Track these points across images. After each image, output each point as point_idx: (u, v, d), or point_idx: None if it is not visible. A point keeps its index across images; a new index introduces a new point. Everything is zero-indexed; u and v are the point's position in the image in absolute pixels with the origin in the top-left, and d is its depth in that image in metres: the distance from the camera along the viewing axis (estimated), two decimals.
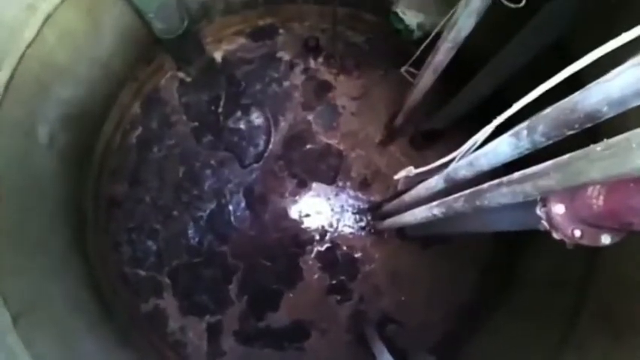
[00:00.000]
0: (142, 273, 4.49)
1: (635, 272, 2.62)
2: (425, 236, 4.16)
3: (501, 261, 4.25)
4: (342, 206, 4.55)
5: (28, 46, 3.01)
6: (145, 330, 4.41)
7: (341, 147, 4.62)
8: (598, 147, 1.06)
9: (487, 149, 1.66)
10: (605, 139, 1.05)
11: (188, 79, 4.77)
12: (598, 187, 1.57)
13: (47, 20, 3.09)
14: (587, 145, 1.11)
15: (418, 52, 3.44)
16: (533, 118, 1.29)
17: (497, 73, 2.96)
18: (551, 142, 1.26)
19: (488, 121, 1.70)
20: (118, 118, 4.62)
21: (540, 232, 1.77)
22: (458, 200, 1.98)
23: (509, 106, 1.49)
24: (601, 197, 1.55)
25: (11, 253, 2.96)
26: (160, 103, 4.74)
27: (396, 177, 2.81)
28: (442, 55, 2.94)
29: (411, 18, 3.82)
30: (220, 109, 4.73)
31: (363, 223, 4.51)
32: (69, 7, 3.22)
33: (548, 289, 3.54)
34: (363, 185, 4.56)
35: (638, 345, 2.44)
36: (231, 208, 4.58)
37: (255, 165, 4.63)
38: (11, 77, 2.92)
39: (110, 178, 4.60)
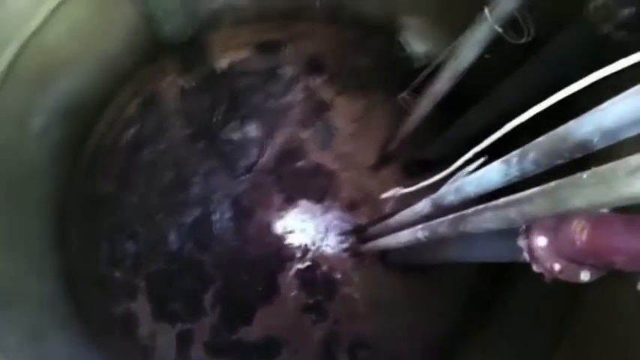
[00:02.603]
0: (118, 274, 4.42)
1: (611, 324, 2.61)
2: (407, 263, 4.14)
3: (482, 295, 4.21)
4: (326, 226, 4.53)
5: (33, 35, 3.01)
6: (115, 332, 4.31)
7: (333, 167, 4.62)
8: (584, 174, 1.06)
9: (476, 175, 1.66)
10: (592, 167, 1.05)
11: (188, 85, 4.77)
12: (582, 222, 1.57)
13: (54, 12, 3.09)
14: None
15: (418, 80, 3.47)
16: (526, 146, 1.29)
17: (496, 107, 2.99)
18: (540, 170, 1.26)
19: (484, 155, 1.71)
20: (114, 115, 4.62)
21: (523, 268, 1.77)
22: (442, 224, 1.98)
23: (507, 140, 1.49)
24: (584, 232, 1.54)
25: None
26: (157, 105, 4.74)
27: (383, 196, 2.81)
28: (441, 84, 2.97)
29: (415, 46, 3.86)
30: (217, 118, 4.72)
31: (346, 245, 4.47)
32: (77, 1, 3.23)
33: (526, 326, 3.51)
34: (351, 207, 4.54)
35: None
36: (215, 217, 4.54)
37: (245, 176, 4.62)
38: (11, 65, 2.92)
39: (99, 176, 4.57)
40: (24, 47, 2.96)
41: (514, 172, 1.36)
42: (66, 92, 3.67)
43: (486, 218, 1.57)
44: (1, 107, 2.94)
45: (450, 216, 1.91)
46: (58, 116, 3.70)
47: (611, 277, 1.65)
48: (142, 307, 4.38)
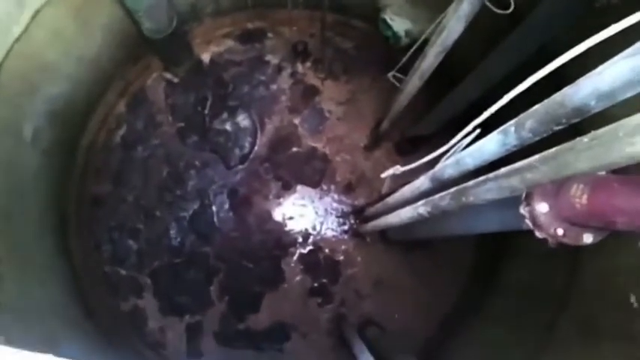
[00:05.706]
0: (123, 272, 4.45)
1: (617, 282, 2.65)
2: (408, 240, 4.18)
3: (484, 267, 4.27)
4: (325, 209, 4.57)
5: (16, 42, 2.98)
6: (125, 330, 4.36)
7: (326, 151, 4.64)
8: (585, 138, 1.09)
9: (474, 148, 1.68)
10: (592, 131, 1.08)
11: (175, 80, 4.76)
12: (582, 185, 1.60)
13: (36, 16, 3.06)
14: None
15: (406, 58, 3.48)
16: (522, 115, 1.31)
17: (485, 79, 3.02)
18: (538, 138, 1.28)
19: (478, 128, 1.73)
20: (103, 116, 4.60)
21: (522, 238, 1.80)
22: (444, 198, 2.00)
23: (498, 112, 1.52)
24: (584, 196, 1.58)
25: None
26: (146, 102, 4.73)
27: (383, 175, 2.84)
28: (430, 60, 2.98)
29: (399, 24, 3.87)
30: (207, 111, 4.72)
31: (346, 227, 4.52)
32: (58, 4, 3.20)
33: (528, 296, 3.55)
34: (348, 189, 4.58)
35: (617, 352, 2.47)
36: (214, 208, 4.56)
37: (240, 166, 4.63)
38: None
39: (94, 177, 4.57)
40: (8, 54, 2.93)
41: (512, 142, 1.38)
42: (53, 96, 3.64)
43: (488, 188, 1.59)
44: None
45: (452, 189, 1.93)
46: (48, 121, 3.66)
47: (611, 243, 1.69)
48: (149, 302, 4.42)
